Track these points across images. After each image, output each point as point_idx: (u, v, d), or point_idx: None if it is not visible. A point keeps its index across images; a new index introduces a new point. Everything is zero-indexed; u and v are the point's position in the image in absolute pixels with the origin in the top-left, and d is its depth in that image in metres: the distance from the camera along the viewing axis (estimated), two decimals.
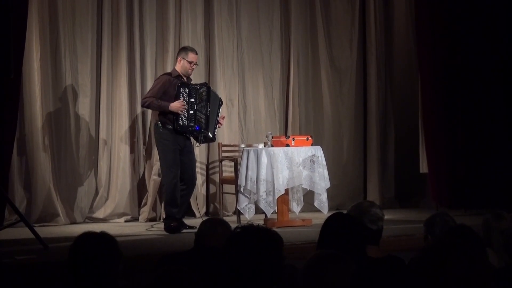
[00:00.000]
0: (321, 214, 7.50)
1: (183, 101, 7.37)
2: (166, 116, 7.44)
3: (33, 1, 7.85)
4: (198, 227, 4.26)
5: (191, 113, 7.40)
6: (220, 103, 7.81)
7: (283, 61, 9.29)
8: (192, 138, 7.71)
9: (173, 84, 7.46)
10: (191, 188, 7.68)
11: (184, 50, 7.63)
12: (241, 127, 9.07)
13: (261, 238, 2.83)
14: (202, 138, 7.57)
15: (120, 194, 8.35)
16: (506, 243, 3.98)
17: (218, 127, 7.81)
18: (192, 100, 7.41)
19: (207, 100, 7.47)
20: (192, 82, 7.70)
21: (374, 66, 9.56)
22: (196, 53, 7.63)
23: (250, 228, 2.88)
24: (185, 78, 7.58)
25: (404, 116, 9.69)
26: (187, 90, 7.43)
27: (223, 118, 7.91)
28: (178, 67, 7.57)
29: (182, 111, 7.36)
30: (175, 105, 7.35)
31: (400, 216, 8.47)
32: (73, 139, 8.25)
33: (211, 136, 7.62)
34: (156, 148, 7.93)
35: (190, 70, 7.58)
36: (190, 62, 7.52)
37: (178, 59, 7.58)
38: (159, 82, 7.54)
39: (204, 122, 7.46)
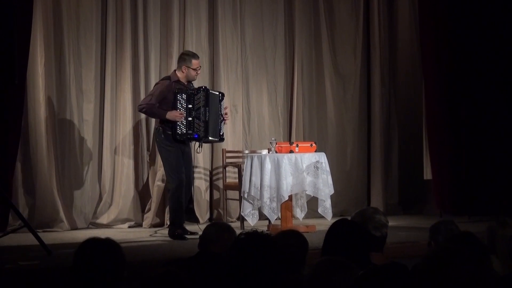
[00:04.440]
0: (325, 221, 7.49)
1: (181, 112, 7.31)
2: (166, 123, 7.41)
3: (38, 7, 7.87)
4: (202, 231, 4.28)
5: (189, 120, 7.31)
6: (220, 98, 7.65)
7: (287, 67, 9.29)
8: (193, 144, 7.67)
9: (172, 90, 7.38)
10: (189, 193, 7.64)
11: (186, 58, 7.47)
12: (245, 133, 9.06)
13: (265, 244, 2.83)
14: (200, 146, 7.54)
15: (123, 200, 8.35)
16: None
17: (224, 123, 7.74)
18: (190, 106, 7.31)
19: (205, 106, 7.33)
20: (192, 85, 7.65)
21: (378, 72, 9.55)
22: (198, 57, 7.59)
23: (254, 235, 2.89)
24: (185, 83, 7.55)
25: (408, 122, 9.67)
26: (184, 96, 7.34)
27: (226, 108, 7.78)
28: (182, 75, 7.46)
29: (179, 119, 7.30)
30: (172, 114, 7.29)
31: (403, 222, 8.45)
32: (77, 144, 8.26)
33: (216, 139, 7.59)
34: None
35: (196, 76, 7.56)
36: (195, 69, 7.49)
37: (183, 68, 7.44)
38: (158, 88, 7.47)
39: (203, 130, 7.36)
